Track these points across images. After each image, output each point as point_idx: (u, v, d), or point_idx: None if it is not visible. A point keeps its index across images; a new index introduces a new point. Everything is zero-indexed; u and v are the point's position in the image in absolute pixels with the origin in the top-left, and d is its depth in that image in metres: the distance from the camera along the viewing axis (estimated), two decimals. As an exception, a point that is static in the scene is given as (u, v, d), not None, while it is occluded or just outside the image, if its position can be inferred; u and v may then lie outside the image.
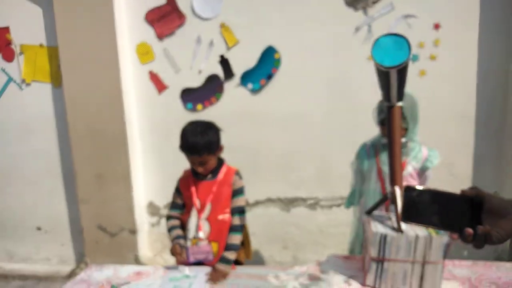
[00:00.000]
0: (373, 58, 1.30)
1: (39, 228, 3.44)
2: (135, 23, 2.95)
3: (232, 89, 2.95)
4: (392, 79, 1.37)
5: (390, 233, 1.47)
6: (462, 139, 2.78)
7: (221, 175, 1.89)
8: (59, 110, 3.15)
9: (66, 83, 2.98)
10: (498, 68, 2.68)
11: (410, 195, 0.87)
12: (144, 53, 2.99)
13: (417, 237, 1.44)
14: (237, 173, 1.94)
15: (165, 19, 2.91)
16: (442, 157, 2.74)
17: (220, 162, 1.93)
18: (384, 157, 1.97)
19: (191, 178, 1.91)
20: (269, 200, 3.07)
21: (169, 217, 1.98)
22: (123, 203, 3.04)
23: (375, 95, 1.83)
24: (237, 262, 1.95)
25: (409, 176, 1.97)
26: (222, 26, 2.86)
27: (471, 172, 2.81)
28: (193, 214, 1.87)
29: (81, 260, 3.30)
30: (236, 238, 1.83)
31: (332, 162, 2.91)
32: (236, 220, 1.85)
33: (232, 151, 2.95)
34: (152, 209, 3.23)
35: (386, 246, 1.47)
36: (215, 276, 1.68)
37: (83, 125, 3.01)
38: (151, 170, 3.15)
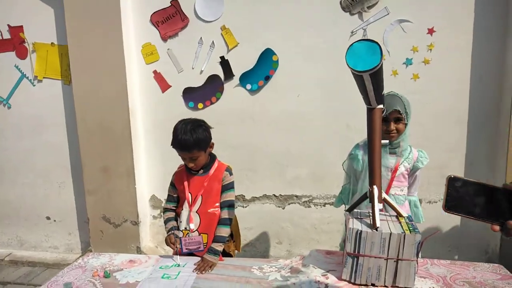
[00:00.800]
0: (346, 63, 1.37)
1: (48, 218, 3.63)
2: (141, 25, 3.09)
3: (231, 89, 3.07)
4: (367, 82, 1.44)
5: (365, 229, 1.54)
6: (455, 142, 2.83)
7: (212, 170, 1.99)
8: (69, 106, 3.31)
9: (75, 80, 3.14)
10: (492, 72, 2.72)
11: (454, 186, 0.89)
12: (149, 53, 3.12)
13: (390, 234, 1.51)
14: (228, 169, 2.02)
15: (169, 21, 3.04)
16: (434, 160, 2.80)
17: (212, 158, 2.03)
18: None
19: (185, 173, 2.03)
20: (265, 197, 3.17)
21: (165, 210, 2.10)
22: (127, 196, 3.18)
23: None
24: (226, 254, 2.06)
25: (401, 175, 2.03)
26: (223, 28, 2.97)
27: (463, 175, 2.85)
28: (185, 207, 1.98)
29: (87, 249, 3.46)
30: (224, 231, 1.93)
31: (326, 161, 2.99)
32: (225, 214, 1.95)
33: (230, 149, 3.09)
34: (155, 202, 3.37)
35: (361, 242, 1.53)
36: (203, 266, 1.79)
37: (90, 121, 3.16)
38: (154, 165, 3.29)
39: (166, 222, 2.05)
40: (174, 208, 2.08)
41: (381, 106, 1.67)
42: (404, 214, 1.70)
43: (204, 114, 3.10)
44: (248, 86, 3.03)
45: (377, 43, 1.33)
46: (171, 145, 1.93)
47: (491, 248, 2.86)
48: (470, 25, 2.69)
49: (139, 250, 3.23)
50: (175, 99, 3.15)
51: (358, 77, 1.41)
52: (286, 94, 2.99)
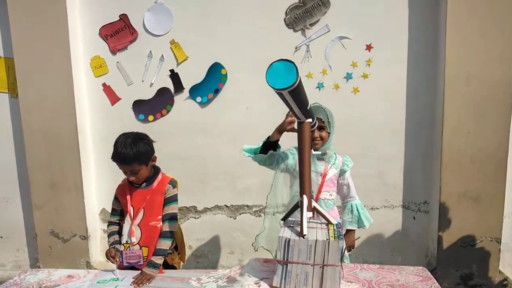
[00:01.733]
0: (266, 81, 1.46)
1: (-5, 234, 3.50)
2: (89, 38, 3.09)
3: (181, 102, 3.11)
4: (289, 99, 1.54)
5: (293, 237, 1.62)
6: (393, 151, 2.99)
7: (155, 183, 2.02)
8: (16, 120, 3.23)
9: (21, 93, 3.08)
10: (426, 86, 2.91)
11: None
12: (98, 66, 3.12)
13: (316, 241, 1.59)
14: (171, 182, 2.05)
15: (118, 34, 3.06)
16: (374, 168, 2.95)
17: (156, 171, 2.06)
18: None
19: (127, 186, 2.05)
20: (217, 207, 3.21)
21: (109, 223, 2.11)
22: (75, 210, 3.13)
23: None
24: (169, 266, 2.09)
25: (330, 181, 2.18)
26: (172, 42, 3.02)
27: (402, 182, 3.02)
28: (127, 220, 2.00)
29: (35, 265, 3.37)
30: (164, 244, 1.96)
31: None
32: (166, 227, 1.98)
33: (182, 160, 3.13)
34: (105, 215, 3.33)
35: (290, 249, 1.61)
36: (140, 279, 1.80)
37: (37, 134, 3.10)
38: (104, 178, 3.26)
39: (109, 236, 2.07)
40: (118, 221, 2.09)
41: (309, 120, 1.78)
42: (333, 222, 1.79)
43: (155, 126, 3.12)
44: (198, 99, 3.09)
45: (293, 63, 1.43)
46: (111, 158, 1.95)
47: (430, 252, 3.03)
48: (404, 41, 2.88)
49: (88, 265, 3.18)
50: (125, 112, 3.16)
51: (279, 94, 1.50)
52: (235, 106, 3.07)
